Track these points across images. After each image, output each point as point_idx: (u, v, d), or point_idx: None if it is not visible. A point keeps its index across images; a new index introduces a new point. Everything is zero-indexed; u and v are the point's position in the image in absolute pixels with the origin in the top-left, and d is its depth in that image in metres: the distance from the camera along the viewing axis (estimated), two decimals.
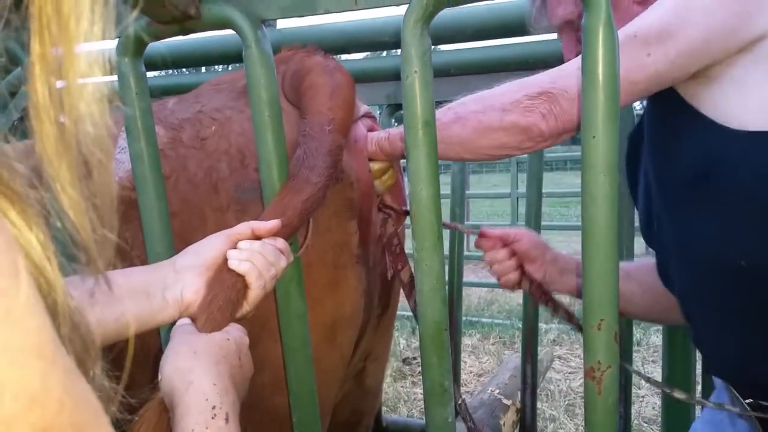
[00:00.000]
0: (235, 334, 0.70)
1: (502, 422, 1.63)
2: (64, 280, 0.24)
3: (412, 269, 1.15)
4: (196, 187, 1.02)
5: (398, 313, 4.19)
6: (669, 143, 0.88)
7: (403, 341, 3.73)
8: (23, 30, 0.23)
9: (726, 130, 0.79)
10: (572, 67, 0.85)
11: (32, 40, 0.23)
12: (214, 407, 0.56)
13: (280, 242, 0.80)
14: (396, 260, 1.17)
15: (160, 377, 0.62)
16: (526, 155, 1.73)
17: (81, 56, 0.23)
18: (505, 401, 1.72)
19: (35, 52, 0.23)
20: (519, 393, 1.70)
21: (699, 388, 1.54)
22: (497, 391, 1.78)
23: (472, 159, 0.99)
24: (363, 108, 1.18)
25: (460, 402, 1.13)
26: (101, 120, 0.24)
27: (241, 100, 1.10)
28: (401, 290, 1.25)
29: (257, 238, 0.78)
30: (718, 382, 1.00)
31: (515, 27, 1.46)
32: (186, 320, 0.71)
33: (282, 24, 1.80)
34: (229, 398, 0.59)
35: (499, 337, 3.81)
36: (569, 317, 1.15)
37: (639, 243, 1.38)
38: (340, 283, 1.08)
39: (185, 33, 0.91)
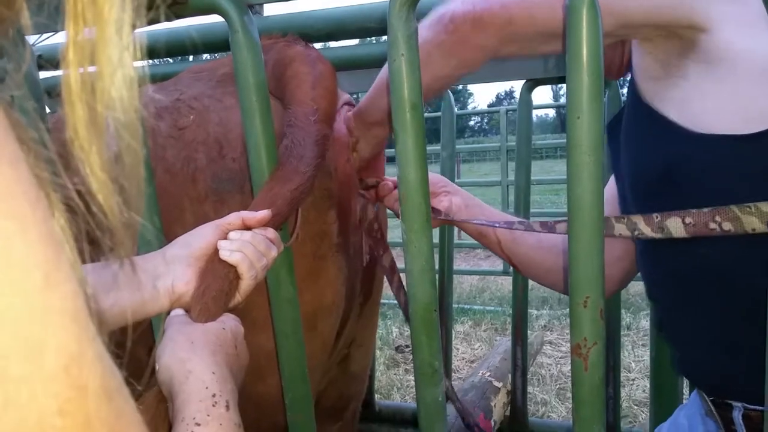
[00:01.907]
0: (230, 323, 0.70)
1: (493, 404, 1.66)
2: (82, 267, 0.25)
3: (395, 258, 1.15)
4: (173, 177, 1.01)
5: (391, 302, 4.17)
6: (637, 143, 0.89)
7: (396, 330, 3.75)
8: (57, 15, 0.23)
9: (686, 132, 0.79)
10: None
11: (67, 25, 0.23)
12: (214, 395, 0.57)
13: (270, 232, 0.80)
14: (377, 245, 1.17)
15: (157, 367, 0.62)
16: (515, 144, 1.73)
17: (113, 42, 0.24)
18: (495, 383, 1.74)
19: (69, 38, 0.23)
20: (510, 375, 1.72)
21: None
22: (488, 373, 1.80)
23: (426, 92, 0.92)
24: (344, 96, 1.18)
25: (447, 386, 1.13)
26: (131, 105, 0.25)
27: (219, 89, 1.09)
28: (384, 278, 1.24)
29: (247, 228, 0.78)
30: None
31: None
32: (180, 311, 0.71)
33: (267, 11, 1.79)
34: (228, 386, 0.60)
35: (491, 324, 3.84)
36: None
37: None
38: (321, 273, 1.08)
39: (171, 18, 0.91)
